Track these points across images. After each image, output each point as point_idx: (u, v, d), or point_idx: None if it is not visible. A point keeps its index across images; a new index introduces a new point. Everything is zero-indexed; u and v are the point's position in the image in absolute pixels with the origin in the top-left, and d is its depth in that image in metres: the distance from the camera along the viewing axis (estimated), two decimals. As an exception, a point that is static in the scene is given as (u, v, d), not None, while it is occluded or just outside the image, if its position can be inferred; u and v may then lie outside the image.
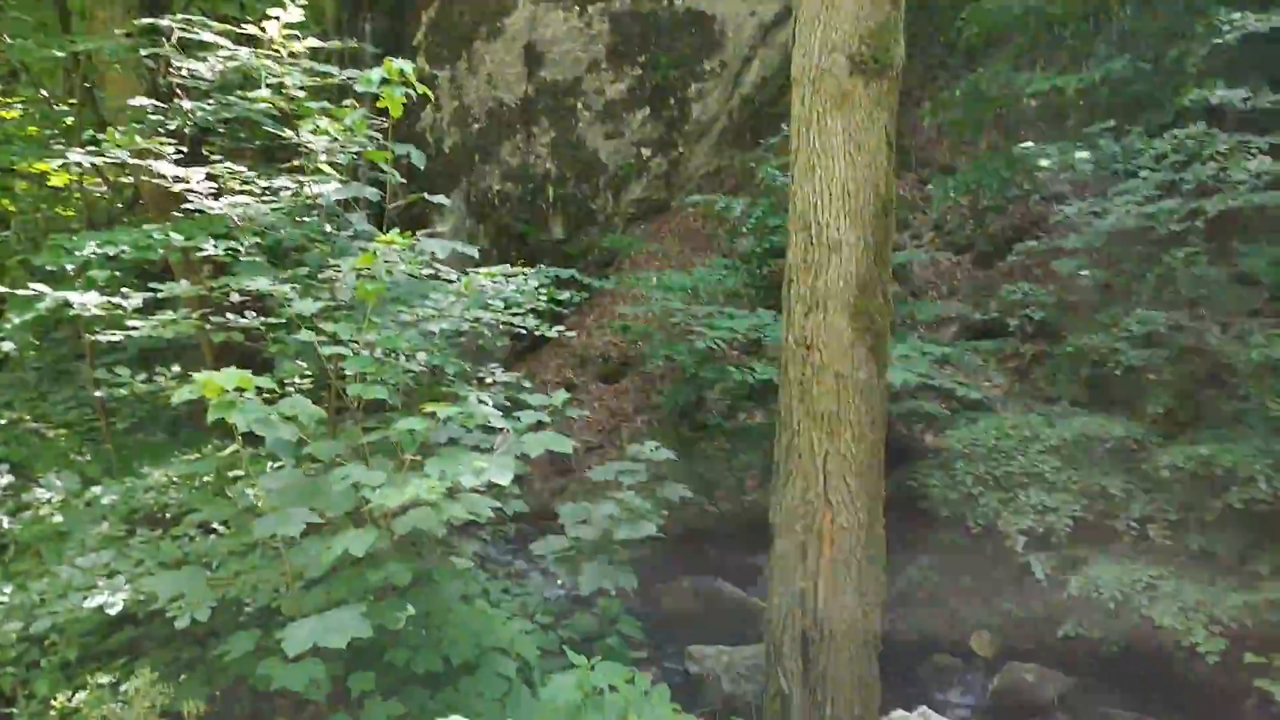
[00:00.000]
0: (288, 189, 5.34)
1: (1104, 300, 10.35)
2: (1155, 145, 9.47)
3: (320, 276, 4.88)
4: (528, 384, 5.01)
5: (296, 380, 5.54)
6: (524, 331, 5.68)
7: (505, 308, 5.19)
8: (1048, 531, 8.08)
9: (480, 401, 3.55)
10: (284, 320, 4.67)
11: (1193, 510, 8.08)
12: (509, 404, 4.32)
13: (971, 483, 8.29)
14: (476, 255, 5.28)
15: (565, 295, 6.85)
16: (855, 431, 4.00)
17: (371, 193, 5.33)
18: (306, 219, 5.27)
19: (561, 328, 6.14)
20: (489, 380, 5.38)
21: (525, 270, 5.73)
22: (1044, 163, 10.49)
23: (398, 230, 4.36)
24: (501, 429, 3.38)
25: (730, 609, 9.39)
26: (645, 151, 17.93)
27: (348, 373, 3.97)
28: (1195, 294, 9.57)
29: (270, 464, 5.07)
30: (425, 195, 5.56)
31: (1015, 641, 8.42)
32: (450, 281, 5.16)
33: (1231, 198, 8.61)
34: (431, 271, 5.29)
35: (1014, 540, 7.96)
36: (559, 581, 7.57)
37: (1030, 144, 10.92)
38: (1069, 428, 8.64)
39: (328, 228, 5.27)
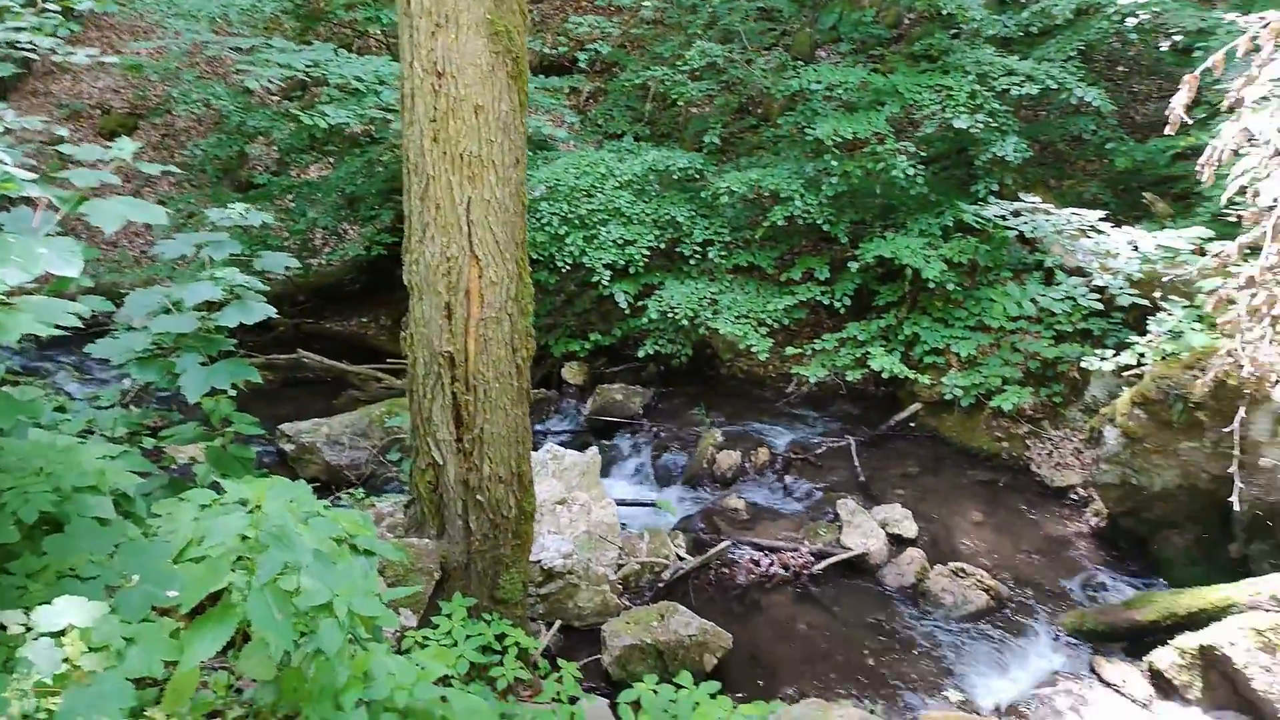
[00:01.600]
0: None
1: (661, 35, 10.63)
2: None
3: None
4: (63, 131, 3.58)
5: None
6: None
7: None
8: (628, 263, 8.56)
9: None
10: None
11: (742, 231, 9.12)
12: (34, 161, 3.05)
13: (558, 224, 8.34)
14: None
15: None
16: (499, 174, 3.55)
17: None
18: None
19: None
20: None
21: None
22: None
23: None
24: (38, 198, 2.32)
25: (314, 380, 8.76)
26: None
27: None
28: (732, 27, 10.22)
29: None
30: None
31: (602, 368, 9.11)
32: None
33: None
34: None
35: (600, 275, 8.31)
36: (125, 384, 6.26)
37: None
38: (640, 162, 8.98)
39: None
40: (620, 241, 8.57)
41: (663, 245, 8.74)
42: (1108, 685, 4.85)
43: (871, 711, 4.55)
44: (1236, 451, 5.26)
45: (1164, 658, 4.78)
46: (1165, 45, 7.69)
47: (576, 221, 8.44)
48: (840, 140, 8.06)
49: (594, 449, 6.21)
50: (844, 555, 6.03)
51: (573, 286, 8.88)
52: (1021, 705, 4.77)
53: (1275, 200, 2.63)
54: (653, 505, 6.90)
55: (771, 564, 6.03)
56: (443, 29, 3.32)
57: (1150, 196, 8.03)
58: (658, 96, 10.66)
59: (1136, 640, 5.17)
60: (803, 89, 8.57)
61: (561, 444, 6.75)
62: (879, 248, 7.99)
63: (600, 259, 8.36)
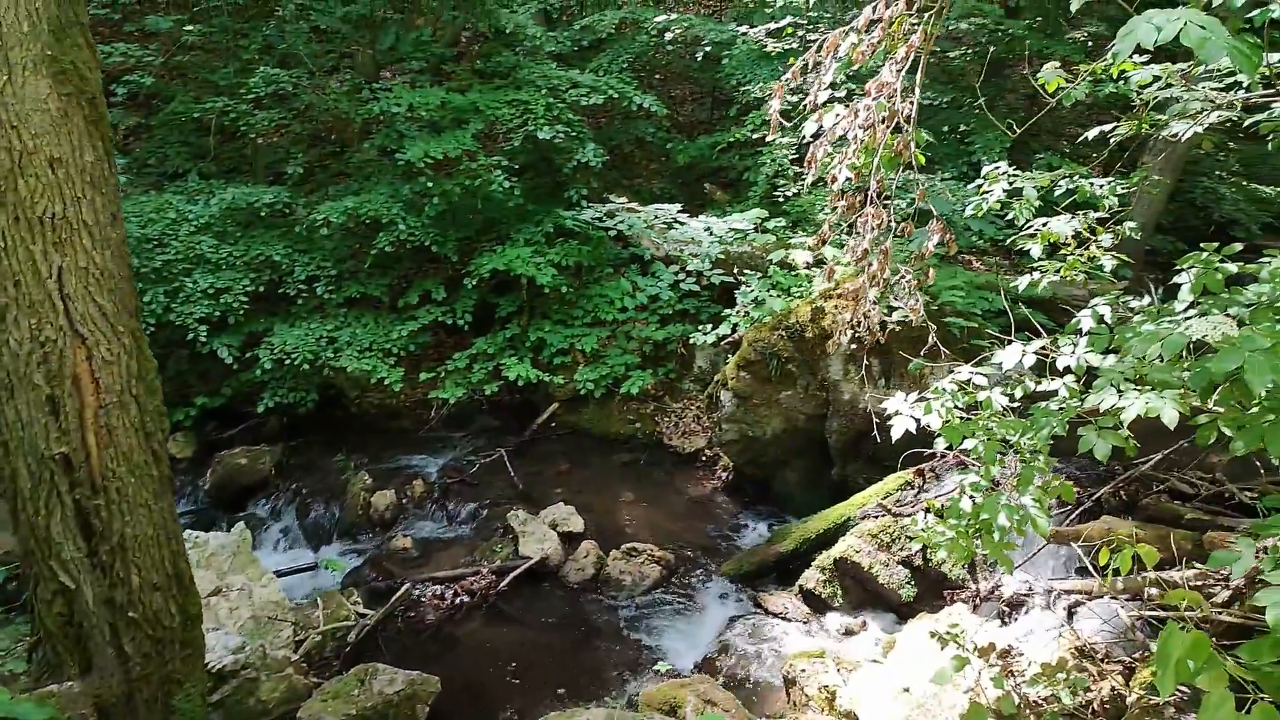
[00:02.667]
0: None
1: (208, 62, 9.68)
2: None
3: None
4: None
5: None
6: None
7: None
8: (226, 313, 7.75)
9: None
10: None
11: (347, 262, 8.70)
12: None
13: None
14: None
15: None
16: (95, 235, 2.97)
17: None
18: None
19: None
20: None
21: None
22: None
23: None
24: None
25: None
26: None
27: None
28: (291, 51, 9.66)
29: None
30: None
31: (214, 433, 8.14)
32: None
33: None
34: None
35: (196, 331, 7.42)
36: None
37: None
38: (217, 202, 8.15)
39: None
40: (211, 291, 7.73)
41: (262, 288, 8.04)
42: (773, 615, 5.53)
43: (603, 704, 4.70)
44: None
45: (810, 578, 5.57)
46: (699, 55, 8.82)
47: (152, 275, 7.43)
48: (433, 160, 8.06)
49: (240, 525, 5.56)
50: (525, 566, 6.11)
51: (159, 349, 7.79)
52: (711, 655, 5.25)
53: (848, 181, 3.19)
54: (314, 568, 6.40)
55: (456, 594, 5.92)
56: (-10, 71, 2.72)
57: (710, 187, 9.20)
58: (220, 128, 9.73)
59: (785, 569, 5.96)
60: (384, 112, 8.41)
61: (184, 528, 5.93)
62: (492, 261, 8.15)
63: (191, 314, 7.48)
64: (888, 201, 3.14)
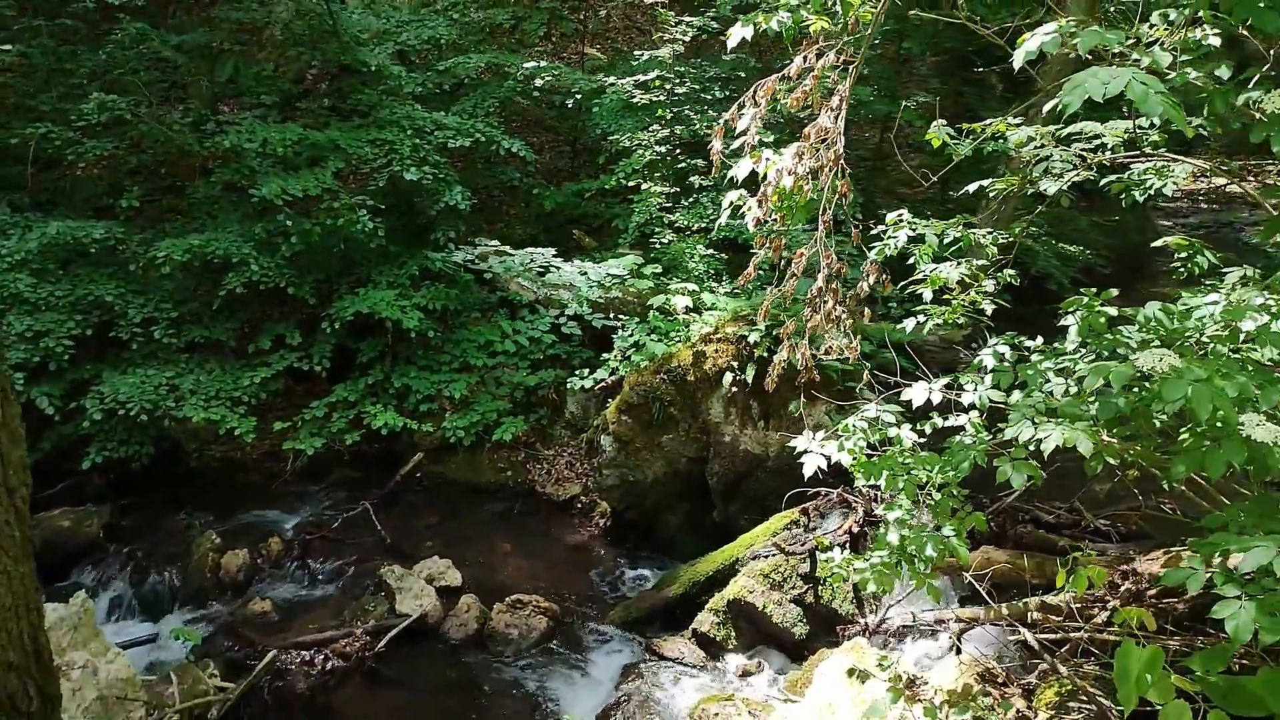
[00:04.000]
0: None
1: (27, 85, 8.79)
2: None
3: None
4: None
5: None
6: None
7: None
8: (47, 358, 6.95)
9: None
10: None
11: (189, 304, 8.02)
12: None
13: (-68, 320, 6.39)
14: None
15: None
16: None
17: None
18: None
19: None
20: None
21: None
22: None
23: None
24: None
25: None
26: None
27: None
28: (120, 76, 8.95)
29: None
30: None
31: (36, 493, 7.20)
32: None
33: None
34: None
35: (12, 379, 6.59)
36: None
37: None
38: (37, 236, 7.35)
39: None
40: (29, 335, 6.93)
41: (89, 332, 7.28)
42: (668, 660, 5.46)
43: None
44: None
45: (704, 620, 5.56)
46: (565, 104, 8.89)
47: (-38, 316, 6.58)
48: (291, 198, 7.64)
49: (81, 594, 4.91)
50: (403, 624, 5.75)
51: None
52: (610, 706, 5.10)
53: (772, 222, 3.27)
54: (154, 639, 5.78)
55: (328, 658, 5.48)
56: None
57: (578, 233, 9.23)
58: (35, 157, 8.82)
59: (674, 614, 5.92)
60: (235, 146, 7.91)
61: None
62: (355, 304, 7.78)
63: (7, 361, 6.63)
64: (828, 242, 3.24)
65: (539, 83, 8.77)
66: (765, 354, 6.13)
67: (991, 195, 4.29)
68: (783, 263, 3.41)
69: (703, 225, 8.29)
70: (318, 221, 7.81)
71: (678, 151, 8.62)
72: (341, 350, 8.26)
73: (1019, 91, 9.17)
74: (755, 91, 3.18)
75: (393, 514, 7.32)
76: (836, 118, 3.03)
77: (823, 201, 3.11)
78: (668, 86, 8.34)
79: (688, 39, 8.48)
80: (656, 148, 8.48)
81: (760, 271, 4.12)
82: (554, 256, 7.62)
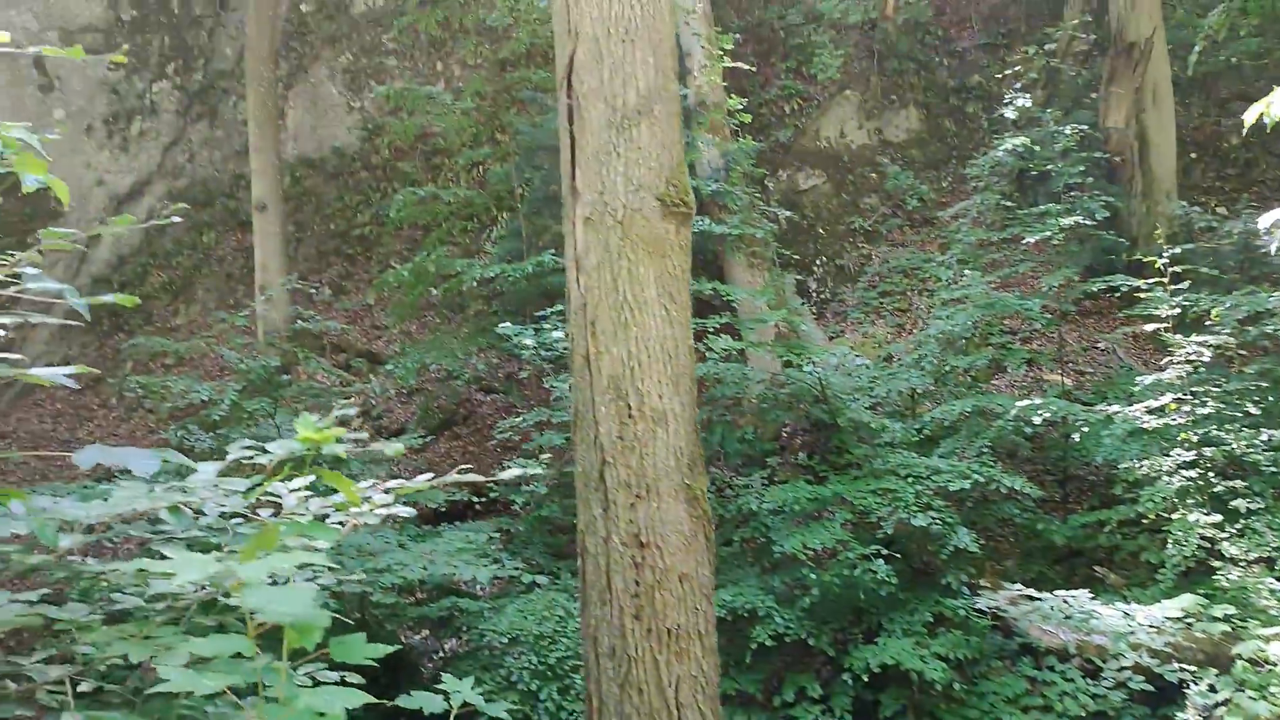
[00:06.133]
0: None
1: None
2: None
3: None
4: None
5: None
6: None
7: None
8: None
9: None
10: None
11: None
12: None
13: None
14: None
15: None
16: (704, 644, 3.18)
17: None
18: None
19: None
20: None
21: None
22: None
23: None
24: None
25: None
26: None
27: None
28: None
29: None
30: None
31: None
32: None
33: None
34: None
35: None
36: None
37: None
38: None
39: None
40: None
41: None
42: None
43: None
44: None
45: None
46: (1076, 437, 8.75)
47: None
48: (811, 551, 8.18)
49: None
50: None
51: None
52: None
53: None
54: None
55: None
56: (644, 500, 3.14)
57: (1101, 570, 8.55)
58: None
59: None
60: (754, 509, 8.83)
61: None
62: (878, 654, 7.78)
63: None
64: None
65: (1037, 419, 8.80)
66: None
67: None
68: None
69: (1265, 555, 7.24)
70: (835, 573, 8.19)
71: (1210, 475, 7.89)
72: (858, 702, 8.15)
73: None
74: None
75: None
76: None
77: None
78: (1185, 409, 7.88)
79: (1205, 358, 8.11)
80: (1183, 473, 7.85)
81: None
82: (1090, 598, 7.09)
